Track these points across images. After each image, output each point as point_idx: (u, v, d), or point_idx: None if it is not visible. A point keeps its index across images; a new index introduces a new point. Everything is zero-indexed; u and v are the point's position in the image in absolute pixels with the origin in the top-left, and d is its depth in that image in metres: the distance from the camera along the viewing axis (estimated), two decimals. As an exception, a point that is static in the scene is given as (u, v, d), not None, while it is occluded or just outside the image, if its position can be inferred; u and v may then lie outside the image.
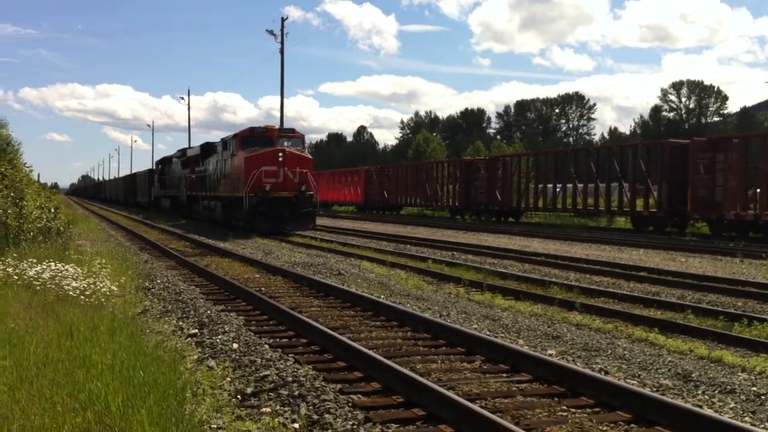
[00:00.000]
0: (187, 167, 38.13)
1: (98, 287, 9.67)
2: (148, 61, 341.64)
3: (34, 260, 11.00)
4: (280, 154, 26.30)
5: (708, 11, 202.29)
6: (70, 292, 9.20)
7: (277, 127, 28.54)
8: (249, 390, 6.21)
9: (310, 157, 28.49)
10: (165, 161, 46.78)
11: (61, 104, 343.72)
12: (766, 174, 26.42)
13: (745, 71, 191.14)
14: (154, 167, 51.87)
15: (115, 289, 10.16)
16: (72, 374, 5.69)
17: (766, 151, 26.79)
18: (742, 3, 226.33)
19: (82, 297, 9.05)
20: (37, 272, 10.06)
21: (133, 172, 72.45)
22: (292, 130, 28.79)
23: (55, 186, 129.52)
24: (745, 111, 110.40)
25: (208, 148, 33.73)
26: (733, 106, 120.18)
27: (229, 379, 6.61)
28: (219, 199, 30.59)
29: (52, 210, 19.18)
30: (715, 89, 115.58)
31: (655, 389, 6.39)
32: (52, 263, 10.68)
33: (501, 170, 41.78)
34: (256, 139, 27.53)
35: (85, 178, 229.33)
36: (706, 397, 6.27)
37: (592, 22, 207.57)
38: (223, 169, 29.99)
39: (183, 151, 41.64)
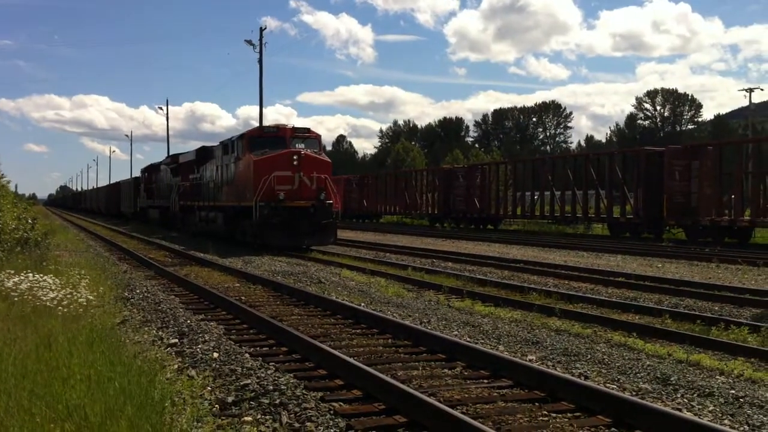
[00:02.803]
0: (178, 175, 34.81)
1: (76, 298, 9.59)
2: (124, 71, 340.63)
3: (12, 271, 10.89)
4: (295, 157, 22.86)
5: (680, 21, 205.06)
6: (48, 303, 9.12)
7: (290, 126, 24.68)
8: (230, 399, 6.19)
9: (329, 160, 24.85)
10: (152, 169, 43.65)
11: (38, 115, 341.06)
12: (740, 180, 26.77)
13: (718, 80, 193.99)
14: (140, 175, 48.12)
15: (93, 299, 10.08)
16: (50, 385, 5.64)
17: (739, 158, 27.16)
18: (714, 12, 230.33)
19: (59, 308, 8.97)
20: (15, 283, 9.96)
21: (117, 181, 68.85)
22: (308, 130, 24.92)
23: (33, 197, 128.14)
24: (719, 119, 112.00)
25: (204, 153, 30.48)
26: (707, 114, 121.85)
27: (209, 388, 6.58)
28: (220, 210, 27.18)
29: (30, 221, 19.00)
30: (689, 97, 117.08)
31: (634, 393, 6.44)
32: (30, 274, 10.58)
33: (479, 178, 41.95)
34: (267, 140, 23.96)
35: (63, 189, 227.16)
36: (685, 400, 6.33)
37: (567, 31, 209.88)
38: (226, 176, 26.46)
39: (174, 157, 38.00)
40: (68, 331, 7.61)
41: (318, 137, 25.01)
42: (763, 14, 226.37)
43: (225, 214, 26.47)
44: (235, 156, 25.24)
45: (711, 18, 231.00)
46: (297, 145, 23.75)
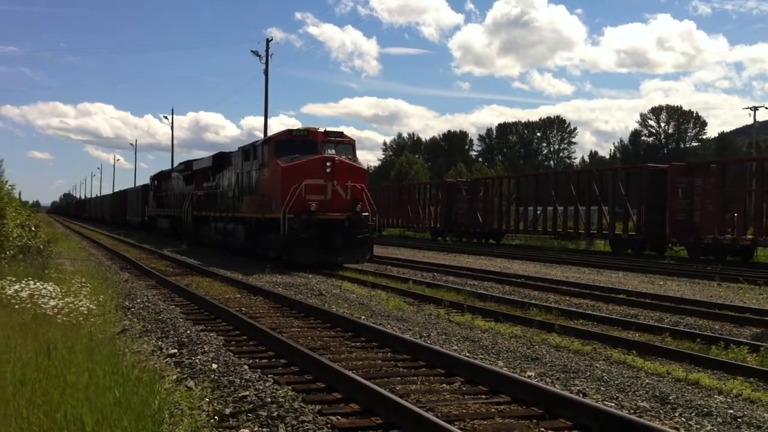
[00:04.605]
0: (191, 183, 33.04)
1: (77, 306, 9.60)
2: (129, 80, 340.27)
3: (13, 278, 10.90)
4: (328, 164, 20.82)
5: (685, 38, 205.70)
6: (48, 312, 9.13)
7: (322, 129, 22.30)
8: (228, 411, 6.19)
9: (365, 167, 22.91)
10: (162, 176, 42.13)
11: (43, 122, 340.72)
12: (743, 199, 26.76)
13: (722, 98, 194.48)
14: (149, 183, 46.16)
15: (94, 308, 10.09)
16: (48, 394, 5.65)
17: (743, 176, 27.17)
18: (719, 30, 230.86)
19: (60, 316, 8.98)
20: (16, 291, 9.97)
21: (124, 189, 67.27)
22: (341, 134, 22.63)
23: (36, 204, 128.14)
24: (723, 136, 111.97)
25: (222, 159, 28.39)
26: (711, 132, 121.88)
27: (207, 399, 6.58)
28: (240, 222, 24.93)
29: (33, 228, 19.05)
30: (694, 115, 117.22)
31: (632, 411, 6.43)
32: (32, 282, 10.59)
33: (482, 192, 41.99)
34: (295, 145, 21.67)
35: (66, 197, 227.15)
36: (683, 419, 6.32)
37: (571, 47, 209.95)
38: (248, 184, 24.36)
39: (187, 163, 35.62)
40: (68, 340, 7.62)
41: (352, 142, 22.78)
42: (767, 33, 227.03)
43: (246, 226, 24.35)
44: (259, 162, 23.19)
45: (716, 36, 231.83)
46: (329, 151, 21.66)
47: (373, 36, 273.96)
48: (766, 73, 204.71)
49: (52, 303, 9.43)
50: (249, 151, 24.64)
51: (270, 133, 31.73)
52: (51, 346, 7.19)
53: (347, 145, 22.47)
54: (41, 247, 17.79)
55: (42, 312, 9.13)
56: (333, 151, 21.71)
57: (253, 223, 23.56)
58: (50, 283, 10.93)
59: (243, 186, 25.01)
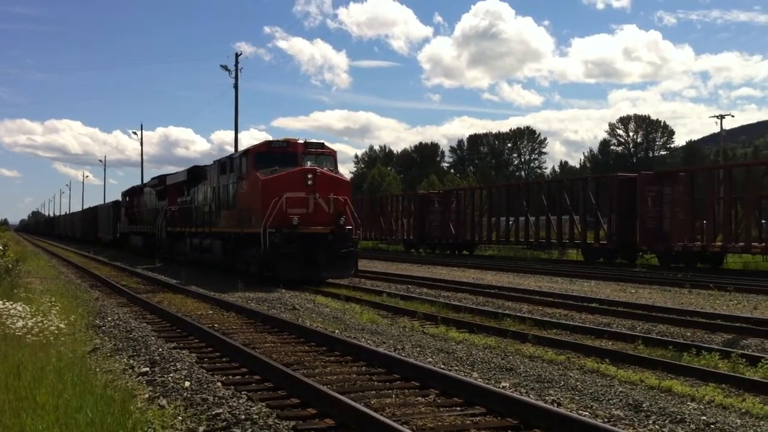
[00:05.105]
0: (165, 198, 32.16)
1: (46, 326, 9.46)
2: (97, 96, 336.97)
3: (-20, 299, 10.72)
4: (310, 176, 20.23)
5: (651, 48, 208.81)
6: (17, 332, 8.99)
7: (302, 140, 21.78)
8: (201, 429, 6.13)
9: (348, 179, 22.62)
10: (134, 192, 41.57)
11: (10, 140, 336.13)
12: (711, 206, 27.10)
13: (689, 107, 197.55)
14: (121, 199, 45.41)
15: (64, 327, 9.95)
16: (19, 416, 5.56)
17: (711, 184, 27.53)
18: (684, 40, 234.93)
19: (29, 336, 8.84)
20: (-17, 311, 9.80)
21: (94, 205, 65.94)
22: (321, 145, 22.03)
23: (4, 222, 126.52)
24: (691, 145, 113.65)
25: (196, 173, 27.64)
26: (679, 140, 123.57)
27: (180, 418, 6.51)
28: (218, 237, 24.21)
29: (1, 247, 18.77)
30: (662, 124, 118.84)
31: (606, 420, 6.46)
32: (0, 302, 10.43)
33: (455, 204, 42.11)
34: (275, 157, 21.10)
35: (35, 214, 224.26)
36: (657, 426, 6.36)
37: (539, 58, 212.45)
38: (225, 198, 23.60)
39: (160, 178, 34.71)
40: (38, 360, 7.51)
41: (333, 153, 22.18)
42: (732, 42, 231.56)
43: (223, 241, 23.64)
44: (237, 175, 22.48)
45: (681, 45, 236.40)
46: (309, 163, 21.14)
47: (342, 49, 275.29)
48: (732, 81, 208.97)
49: (21, 323, 9.28)
50: (226, 164, 23.96)
51: (241, 147, 31.30)
52: (20, 367, 7.08)
53: (328, 156, 21.93)
54: (10, 266, 17.52)
55: (11, 332, 8.99)
56: (314, 163, 21.18)
57: (231, 238, 22.90)
58: (19, 303, 10.76)
59: (220, 200, 24.22)
